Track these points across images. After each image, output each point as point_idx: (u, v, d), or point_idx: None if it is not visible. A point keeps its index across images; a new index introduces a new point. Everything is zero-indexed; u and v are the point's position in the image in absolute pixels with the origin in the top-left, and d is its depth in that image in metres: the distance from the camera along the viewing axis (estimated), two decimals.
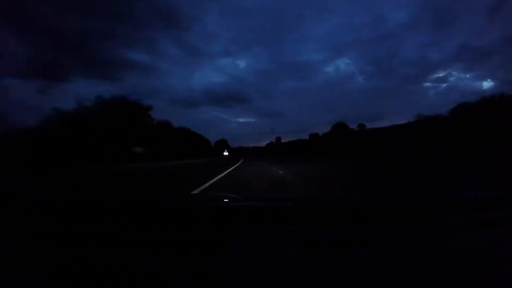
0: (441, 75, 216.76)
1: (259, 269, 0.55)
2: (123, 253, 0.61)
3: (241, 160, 27.67)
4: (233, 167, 13.41)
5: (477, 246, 0.68)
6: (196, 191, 4.94)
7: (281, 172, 9.86)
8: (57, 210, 0.86)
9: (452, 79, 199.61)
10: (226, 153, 75.40)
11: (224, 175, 8.79)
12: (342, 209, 0.90)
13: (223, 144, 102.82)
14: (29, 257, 0.60)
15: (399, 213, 0.86)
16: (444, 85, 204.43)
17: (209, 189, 5.37)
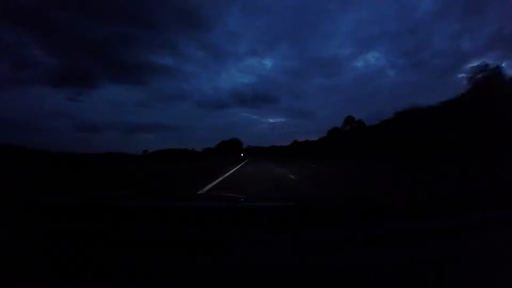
0: (474, 65, 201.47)
1: (260, 269, 0.55)
2: (123, 253, 0.61)
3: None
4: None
5: (478, 246, 0.67)
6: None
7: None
8: (57, 210, 0.86)
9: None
10: (242, 155, 69.54)
11: None
12: (342, 209, 0.90)
13: (233, 144, 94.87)
14: (28, 257, 0.60)
15: (399, 213, 0.86)
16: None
17: None
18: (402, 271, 0.56)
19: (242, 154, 71.07)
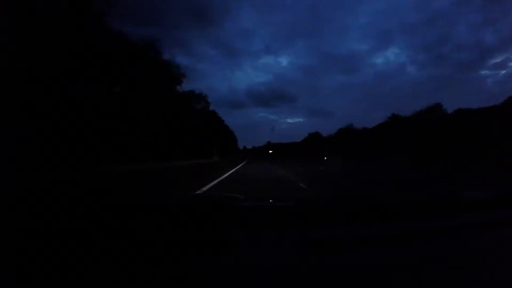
0: (498, 60, 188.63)
1: (260, 269, 0.55)
2: (122, 253, 0.61)
3: None
4: None
5: (478, 246, 0.67)
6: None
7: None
8: (59, 210, 0.85)
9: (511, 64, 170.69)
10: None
11: None
12: (343, 209, 0.90)
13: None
14: (21, 259, 0.59)
15: (399, 213, 0.86)
16: (503, 72, 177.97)
17: None
18: (403, 271, 0.56)
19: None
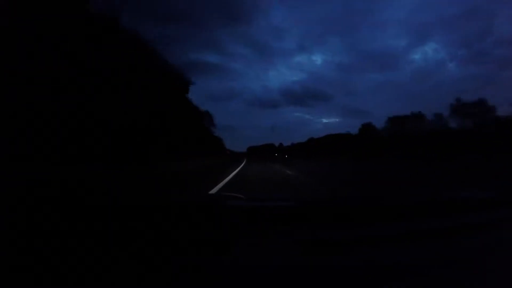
0: None
1: (260, 269, 0.55)
2: (122, 253, 0.61)
3: None
4: None
5: (477, 246, 0.67)
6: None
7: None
8: (61, 208, 0.84)
9: None
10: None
11: None
12: (343, 209, 0.89)
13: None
14: (19, 260, 0.59)
15: (399, 213, 0.86)
16: None
17: None
18: (402, 271, 0.56)
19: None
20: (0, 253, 0.61)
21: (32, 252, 0.61)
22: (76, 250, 0.61)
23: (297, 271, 0.54)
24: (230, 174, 9.11)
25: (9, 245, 0.64)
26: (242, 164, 17.83)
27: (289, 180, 7.64)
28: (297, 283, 0.51)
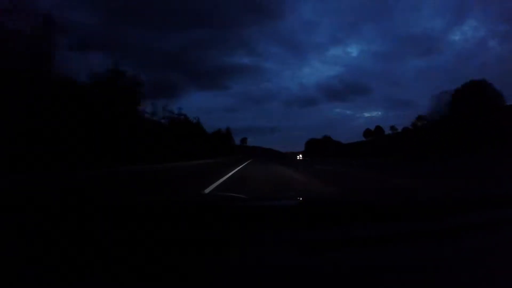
0: None
1: (262, 269, 0.55)
2: (121, 253, 0.61)
3: None
4: None
5: (478, 247, 0.66)
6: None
7: None
8: (58, 210, 0.84)
9: None
10: None
11: None
12: (343, 209, 0.89)
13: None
14: (26, 260, 0.59)
15: (399, 214, 0.85)
16: None
17: None
18: (402, 272, 0.55)
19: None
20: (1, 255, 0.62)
21: (31, 252, 0.61)
22: (76, 251, 0.61)
23: (296, 271, 0.54)
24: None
25: (9, 246, 0.65)
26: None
27: None
28: (296, 283, 0.51)
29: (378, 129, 71.79)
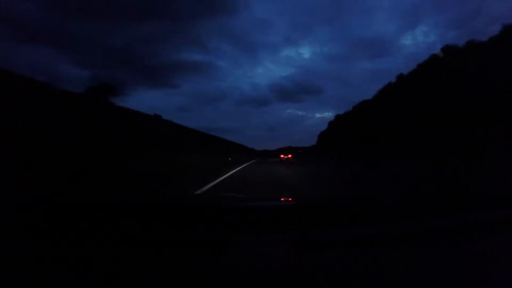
0: None
1: (260, 270, 0.55)
2: (121, 253, 0.61)
3: None
4: None
5: (477, 247, 0.67)
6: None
7: None
8: (54, 210, 0.84)
9: None
10: None
11: None
12: (342, 209, 0.90)
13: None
14: (24, 261, 0.59)
15: (398, 214, 0.86)
16: None
17: None
18: (402, 271, 0.56)
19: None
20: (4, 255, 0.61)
21: (31, 253, 0.61)
22: (75, 252, 0.61)
23: (296, 271, 0.54)
24: None
25: (8, 246, 0.64)
26: None
27: None
28: (296, 283, 0.51)
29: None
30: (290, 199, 1.27)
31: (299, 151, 70.61)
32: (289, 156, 35.44)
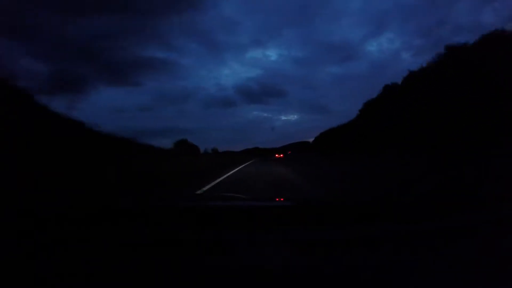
0: None
1: (258, 269, 0.55)
2: (122, 254, 0.62)
3: None
4: None
5: (476, 247, 0.67)
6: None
7: None
8: (54, 216, 0.82)
9: None
10: None
11: None
12: (341, 209, 0.90)
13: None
14: (29, 265, 0.58)
15: (398, 214, 0.86)
16: None
17: None
18: (401, 271, 0.56)
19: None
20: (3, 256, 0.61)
21: (31, 255, 0.60)
22: (77, 252, 0.61)
23: (296, 271, 0.54)
24: None
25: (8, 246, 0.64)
26: None
27: None
28: (296, 283, 0.51)
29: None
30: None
31: (289, 152, 76.59)
32: (281, 155, 44.78)
